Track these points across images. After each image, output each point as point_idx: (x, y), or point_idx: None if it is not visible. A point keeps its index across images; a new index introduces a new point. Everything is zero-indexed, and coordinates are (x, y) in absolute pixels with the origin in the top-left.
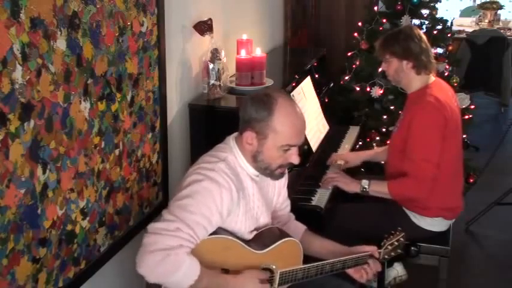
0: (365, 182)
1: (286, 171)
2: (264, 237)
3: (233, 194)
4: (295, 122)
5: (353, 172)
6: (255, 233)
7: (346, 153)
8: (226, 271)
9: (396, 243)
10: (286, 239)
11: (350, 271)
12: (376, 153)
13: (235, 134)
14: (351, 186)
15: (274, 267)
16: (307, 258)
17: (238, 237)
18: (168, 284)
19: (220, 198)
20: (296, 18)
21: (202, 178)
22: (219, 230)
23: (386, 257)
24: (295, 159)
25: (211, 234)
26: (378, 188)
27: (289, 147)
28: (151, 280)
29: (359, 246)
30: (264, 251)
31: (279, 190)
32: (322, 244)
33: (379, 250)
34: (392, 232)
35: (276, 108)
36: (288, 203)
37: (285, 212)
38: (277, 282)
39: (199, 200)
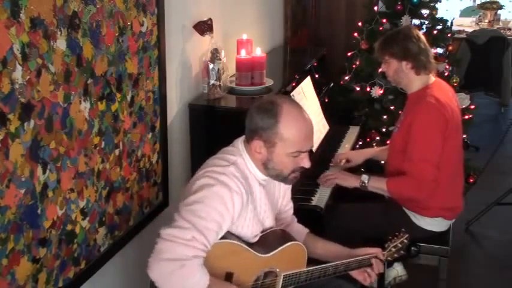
0: (365, 177)
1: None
2: (268, 240)
3: (243, 198)
4: (302, 128)
5: (353, 171)
6: (259, 235)
7: (349, 152)
8: (230, 274)
9: (400, 245)
10: (291, 242)
11: (354, 273)
12: (379, 151)
13: (243, 137)
14: (350, 181)
15: (278, 270)
16: (310, 261)
17: (243, 241)
18: None
19: (231, 203)
20: (296, 18)
21: (213, 182)
22: (226, 234)
23: (389, 258)
24: (306, 163)
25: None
26: (377, 184)
27: (299, 153)
28: (162, 287)
29: (363, 248)
30: (269, 254)
31: (283, 192)
32: (325, 247)
33: (383, 252)
34: (396, 234)
35: (281, 115)
36: (291, 205)
37: (288, 214)
38: (280, 285)
39: (211, 205)
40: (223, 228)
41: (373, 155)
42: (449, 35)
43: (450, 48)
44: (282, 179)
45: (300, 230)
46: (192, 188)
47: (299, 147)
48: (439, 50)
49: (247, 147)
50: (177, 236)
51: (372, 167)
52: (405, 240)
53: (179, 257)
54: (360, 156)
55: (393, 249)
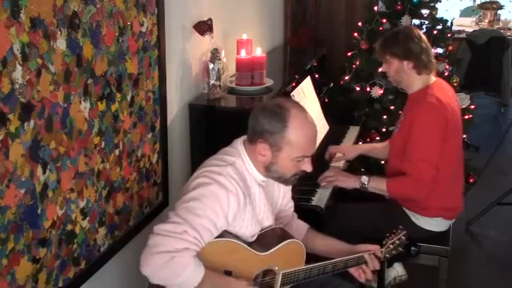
0: (365, 178)
1: None
2: (266, 239)
3: (240, 200)
4: (309, 133)
5: (353, 171)
6: (257, 234)
7: (342, 146)
8: (229, 273)
9: (398, 241)
10: (289, 240)
11: (350, 269)
12: (373, 147)
13: (243, 137)
14: (350, 182)
15: (276, 268)
16: (310, 256)
17: (241, 240)
18: (172, 286)
19: (227, 203)
20: (296, 18)
21: (210, 182)
22: (224, 233)
23: (387, 255)
24: (308, 168)
25: (216, 236)
26: (377, 185)
27: (303, 157)
28: (155, 281)
29: (362, 245)
30: (267, 252)
31: (284, 193)
32: (324, 242)
33: (381, 249)
34: (394, 231)
35: (290, 120)
36: (291, 204)
37: (289, 212)
38: (279, 283)
39: (206, 203)
40: (218, 227)
41: (367, 151)
42: (449, 35)
43: (450, 48)
44: (283, 181)
45: (300, 226)
46: (189, 187)
47: (304, 152)
48: (439, 50)
49: (248, 148)
50: (168, 230)
51: (372, 167)
52: (403, 237)
53: (170, 249)
54: (353, 150)
55: (391, 246)
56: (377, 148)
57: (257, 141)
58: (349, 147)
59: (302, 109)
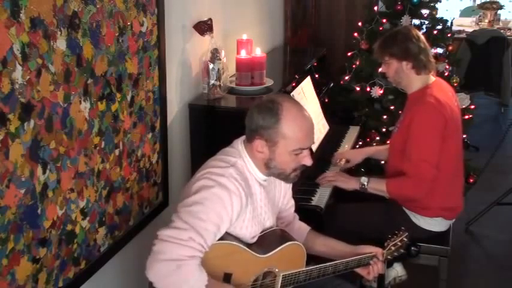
0: (364, 179)
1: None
2: (267, 240)
3: (242, 199)
4: (303, 125)
5: (353, 171)
6: (258, 235)
7: (348, 151)
8: (229, 275)
9: (399, 243)
10: (290, 243)
11: (357, 269)
12: (378, 150)
13: (243, 137)
14: (350, 183)
15: (277, 270)
16: (311, 258)
17: (242, 242)
18: None
19: (230, 205)
20: (296, 18)
21: (212, 184)
22: (224, 235)
23: (389, 257)
24: (308, 161)
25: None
26: (377, 186)
27: (301, 150)
28: (159, 287)
29: (364, 246)
30: (267, 255)
31: (284, 192)
32: (326, 243)
33: (383, 251)
34: (396, 232)
35: (282, 114)
36: (292, 203)
37: (290, 212)
38: (279, 284)
39: (210, 207)
40: (221, 230)
41: (372, 154)
42: (449, 35)
43: (450, 48)
44: (284, 177)
45: (301, 227)
46: (191, 190)
47: (301, 145)
48: (439, 50)
49: (248, 148)
50: (174, 236)
51: (372, 168)
52: (405, 239)
53: (176, 257)
54: (359, 155)
55: (393, 248)
56: (381, 150)
57: (254, 138)
58: (354, 152)
59: (295, 102)
